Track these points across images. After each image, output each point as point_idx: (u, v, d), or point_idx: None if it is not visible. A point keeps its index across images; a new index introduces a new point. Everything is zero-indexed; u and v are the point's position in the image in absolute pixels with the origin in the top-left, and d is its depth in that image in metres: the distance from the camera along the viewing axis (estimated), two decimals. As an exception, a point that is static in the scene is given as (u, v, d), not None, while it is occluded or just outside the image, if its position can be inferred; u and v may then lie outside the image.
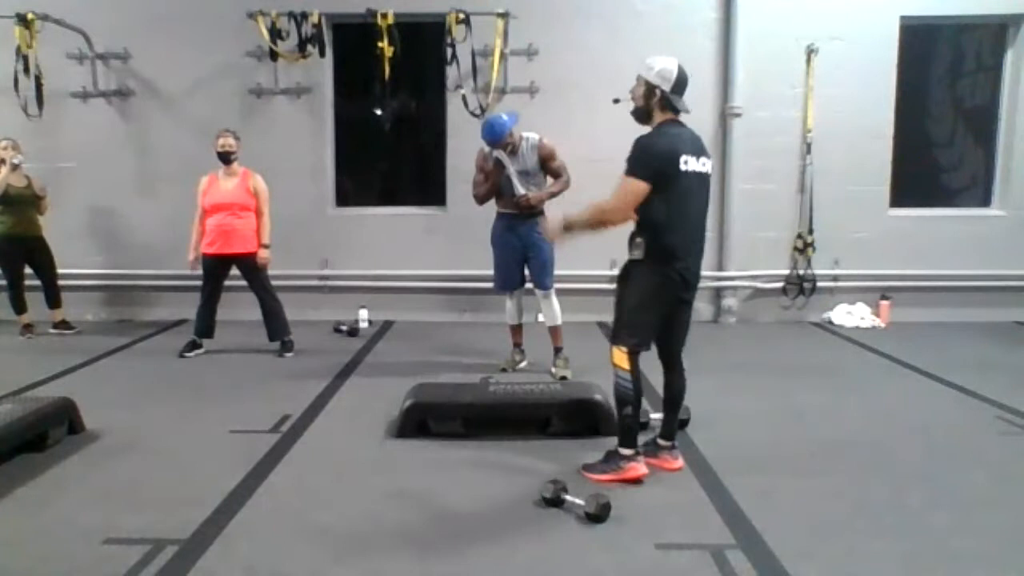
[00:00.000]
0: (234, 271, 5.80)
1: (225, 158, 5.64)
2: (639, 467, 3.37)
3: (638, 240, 3.30)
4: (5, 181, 6.05)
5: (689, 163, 3.29)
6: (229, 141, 5.64)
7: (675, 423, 3.64)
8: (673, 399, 3.62)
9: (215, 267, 5.71)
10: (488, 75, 6.64)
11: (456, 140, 6.81)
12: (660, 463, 3.54)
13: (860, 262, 6.95)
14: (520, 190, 4.87)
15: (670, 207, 3.25)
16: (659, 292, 3.35)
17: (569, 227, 3.42)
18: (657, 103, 3.35)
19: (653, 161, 3.22)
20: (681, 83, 3.37)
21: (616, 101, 3.56)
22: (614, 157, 6.77)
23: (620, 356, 3.38)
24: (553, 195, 4.99)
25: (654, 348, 3.57)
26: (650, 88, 3.33)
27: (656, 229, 3.27)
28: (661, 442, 3.61)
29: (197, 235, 5.72)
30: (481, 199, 5.12)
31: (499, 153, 4.87)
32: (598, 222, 3.35)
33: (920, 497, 3.26)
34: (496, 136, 4.80)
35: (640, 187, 3.21)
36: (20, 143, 6.23)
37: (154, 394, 4.81)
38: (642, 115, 3.40)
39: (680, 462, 3.58)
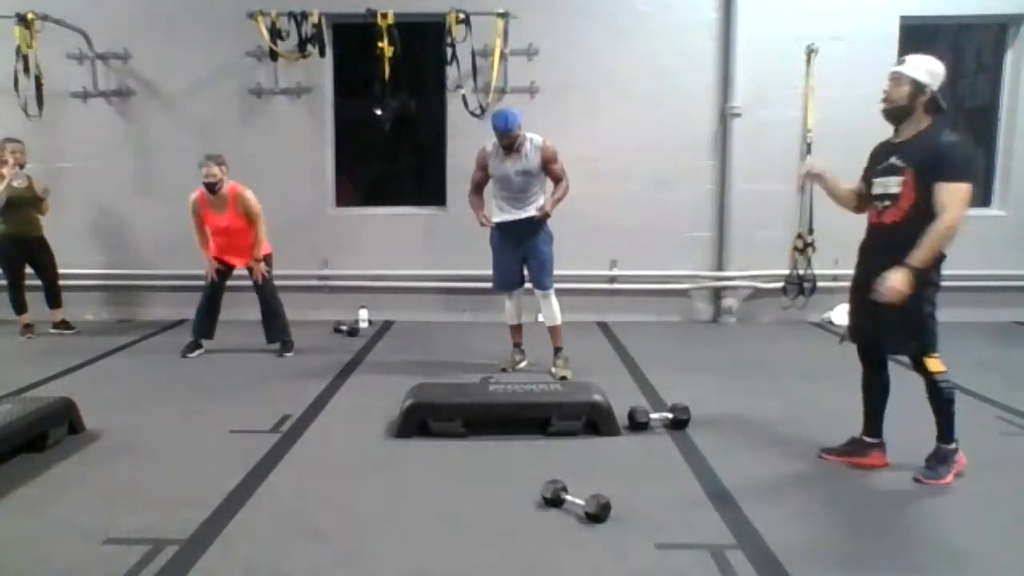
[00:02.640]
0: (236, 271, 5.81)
1: (211, 188, 5.48)
2: (963, 457, 3.42)
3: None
4: (6, 193, 6.05)
5: None
6: (213, 171, 5.42)
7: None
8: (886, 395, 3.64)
9: (219, 269, 5.72)
10: (488, 75, 6.64)
11: (456, 140, 6.81)
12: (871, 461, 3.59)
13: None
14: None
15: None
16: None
17: (916, 269, 3.18)
18: (924, 103, 3.21)
19: (972, 163, 3.19)
20: (944, 83, 3.26)
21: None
22: (614, 157, 6.88)
23: (936, 363, 3.35)
24: (559, 201, 5.02)
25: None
26: (918, 87, 3.19)
27: None
28: (871, 440, 3.64)
29: (206, 249, 5.70)
30: (470, 197, 5.17)
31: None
32: (944, 244, 3.19)
33: (920, 497, 3.26)
34: (508, 125, 4.79)
35: (969, 191, 3.12)
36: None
37: (154, 394, 4.81)
38: (901, 115, 3.26)
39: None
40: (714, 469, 3.55)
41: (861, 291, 3.49)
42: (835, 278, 6.98)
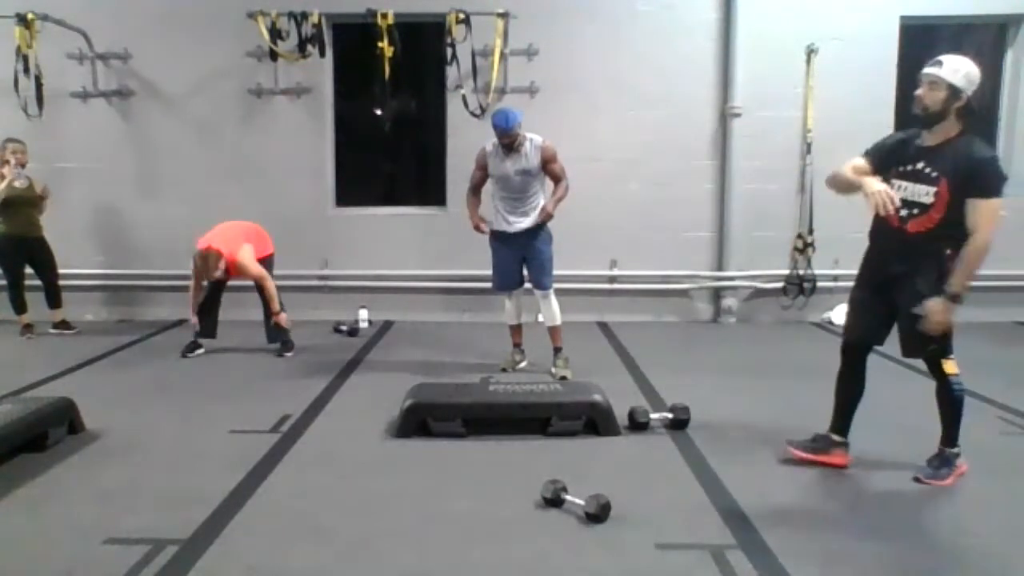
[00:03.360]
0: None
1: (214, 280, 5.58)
2: (965, 464, 3.42)
3: (949, 252, 3.11)
4: (6, 193, 6.05)
5: None
6: (216, 274, 5.44)
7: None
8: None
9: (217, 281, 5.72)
10: (488, 75, 6.63)
11: (456, 140, 6.81)
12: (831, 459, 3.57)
13: (860, 262, 6.94)
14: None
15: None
16: None
17: (958, 296, 3.08)
18: (959, 109, 3.07)
19: (1004, 178, 3.12)
20: (978, 93, 3.13)
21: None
22: (614, 157, 6.87)
23: (952, 365, 3.28)
24: (560, 200, 5.03)
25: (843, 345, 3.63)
26: (955, 93, 3.04)
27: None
28: (838, 438, 3.60)
29: (194, 307, 5.69)
30: (468, 197, 5.19)
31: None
32: (980, 266, 3.09)
33: (920, 497, 3.26)
34: (509, 124, 4.80)
35: (1000, 207, 3.05)
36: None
37: (154, 394, 4.81)
38: (934, 120, 3.11)
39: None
40: (714, 469, 3.55)
41: (870, 290, 3.46)
42: (835, 278, 6.98)
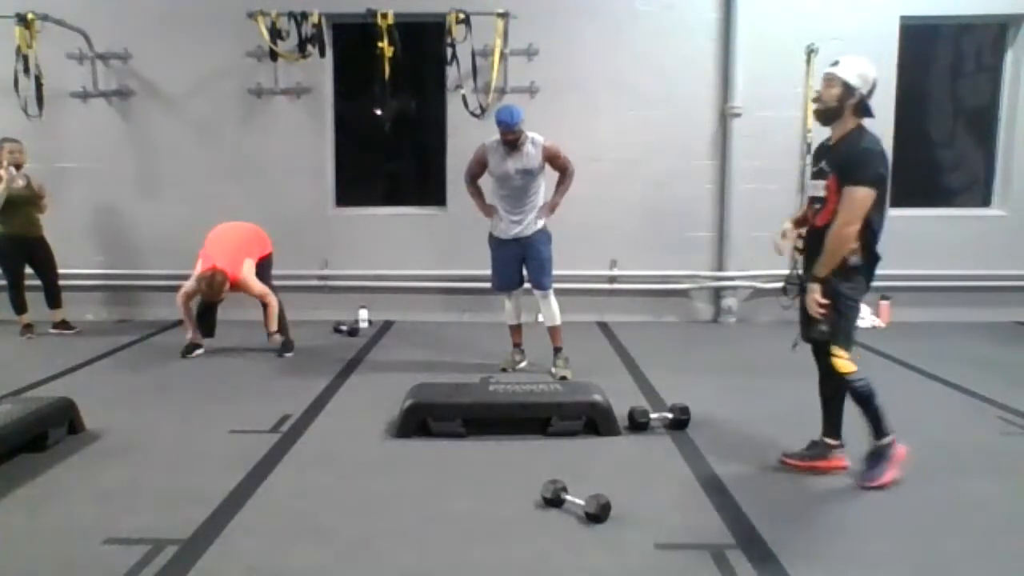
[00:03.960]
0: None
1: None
2: (901, 445, 3.39)
3: (854, 247, 3.21)
4: (5, 193, 6.05)
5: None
6: (227, 290, 5.48)
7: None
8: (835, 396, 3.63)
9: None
10: (488, 75, 6.63)
11: (456, 140, 6.80)
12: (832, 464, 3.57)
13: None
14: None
15: (882, 213, 3.23)
16: (863, 294, 3.36)
17: (825, 278, 3.26)
18: (852, 106, 3.21)
19: (880, 166, 3.18)
20: (875, 86, 3.25)
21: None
22: (614, 157, 6.87)
23: (846, 364, 3.33)
24: (565, 191, 5.12)
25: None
26: (848, 90, 3.19)
27: (872, 236, 3.23)
28: (832, 442, 3.61)
29: (190, 319, 5.71)
30: (468, 186, 5.26)
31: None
32: (842, 251, 3.20)
33: (920, 497, 3.26)
34: (513, 120, 4.82)
35: (870, 196, 3.13)
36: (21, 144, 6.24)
37: (154, 394, 4.81)
38: (831, 117, 3.27)
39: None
40: (714, 469, 3.55)
41: (803, 290, 3.53)
42: (835, 278, 6.98)
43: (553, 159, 5.03)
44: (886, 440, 3.36)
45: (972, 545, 2.84)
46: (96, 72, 6.92)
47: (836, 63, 3.25)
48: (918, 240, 6.92)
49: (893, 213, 6.87)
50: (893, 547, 2.82)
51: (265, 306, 5.63)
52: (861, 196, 3.13)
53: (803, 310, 3.51)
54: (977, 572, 2.68)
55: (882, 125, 6.86)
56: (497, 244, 5.17)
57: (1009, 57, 6.98)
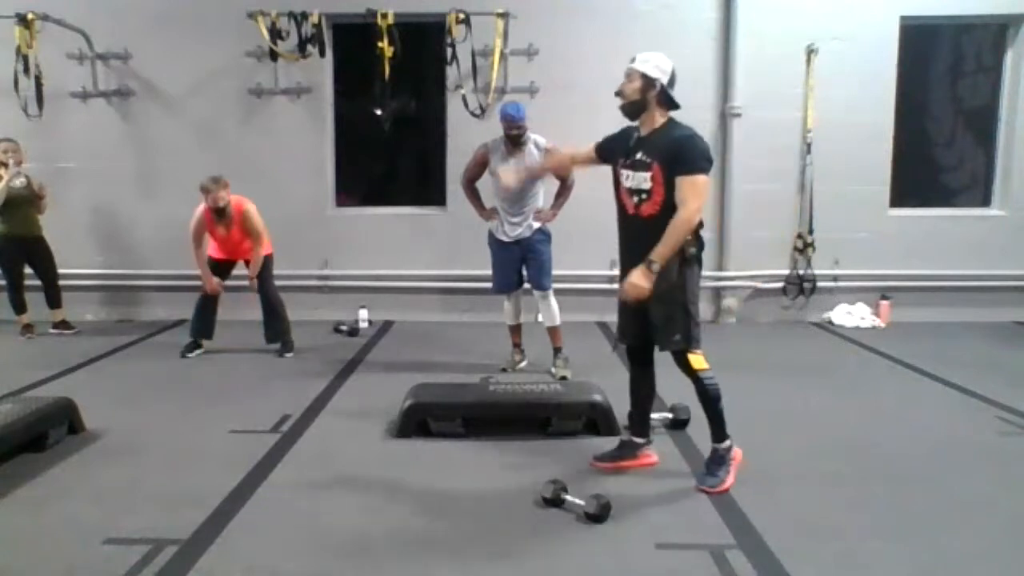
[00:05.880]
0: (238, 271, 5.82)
1: (221, 213, 5.48)
2: (738, 450, 3.41)
3: (689, 238, 3.22)
4: (5, 192, 6.05)
5: None
6: (221, 195, 5.39)
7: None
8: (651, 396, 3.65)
9: (219, 267, 5.72)
10: (488, 75, 6.63)
11: (456, 140, 6.80)
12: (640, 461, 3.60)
13: (860, 262, 6.95)
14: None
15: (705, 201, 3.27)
16: (699, 290, 3.34)
17: (655, 267, 3.16)
18: (655, 97, 3.26)
19: (709, 154, 3.24)
20: (675, 77, 3.31)
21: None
22: (614, 157, 6.82)
23: (699, 360, 3.29)
24: (565, 201, 5.15)
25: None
26: (648, 82, 3.24)
27: (701, 224, 3.26)
28: (640, 440, 3.63)
29: (203, 264, 5.64)
30: (465, 189, 5.26)
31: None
32: (683, 239, 3.17)
33: (920, 497, 3.26)
34: (520, 113, 4.86)
35: (708, 183, 3.22)
36: (20, 143, 6.23)
37: (154, 394, 4.81)
38: (636, 110, 3.31)
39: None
40: (714, 469, 3.55)
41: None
42: (835, 278, 6.99)
43: None
44: (727, 443, 3.37)
45: (972, 545, 2.85)
46: (96, 72, 6.92)
47: (633, 59, 3.30)
48: (918, 240, 6.93)
49: (893, 213, 6.99)
50: (893, 547, 2.83)
51: (257, 247, 5.60)
52: (703, 182, 3.18)
53: (624, 312, 3.42)
54: (977, 572, 2.68)
55: (882, 125, 6.95)
56: (498, 246, 5.17)
57: (1009, 57, 6.98)
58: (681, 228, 3.14)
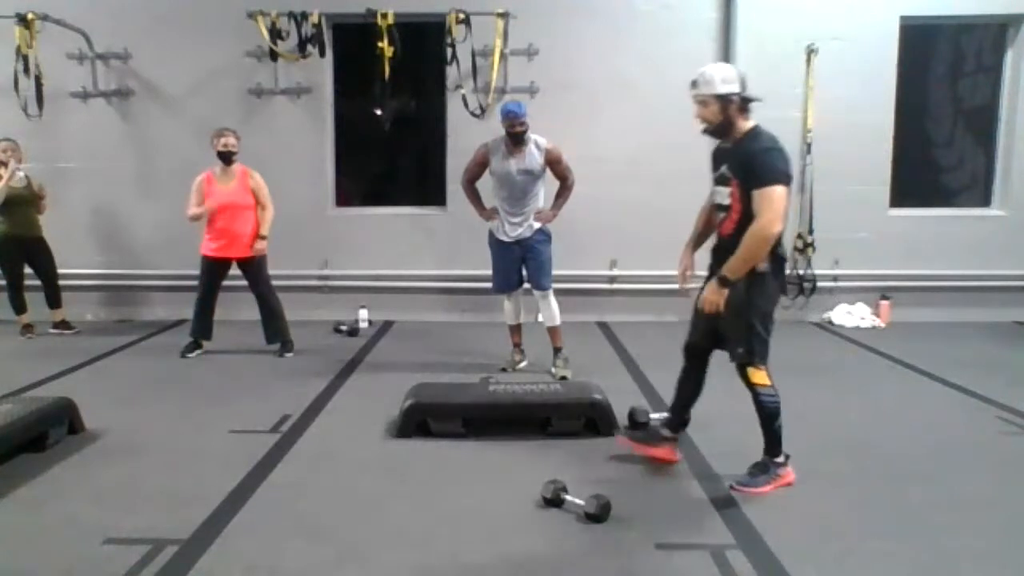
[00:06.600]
0: (234, 271, 5.80)
1: (227, 158, 5.58)
2: (791, 472, 3.37)
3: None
4: (4, 191, 6.05)
5: None
6: (231, 140, 5.58)
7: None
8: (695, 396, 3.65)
9: (216, 268, 5.71)
10: (488, 75, 6.64)
11: (456, 140, 6.80)
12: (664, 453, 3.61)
13: (860, 262, 6.95)
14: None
15: (787, 211, 3.18)
16: (777, 300, 3.28)
17: (726, 279, 3.14)
18: (736, 110, 3.20)
19: (788, 165, 3.15)
20: (744, 80, 3.23)
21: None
22: (614, 157, 6.86)
23: (761, 375, 3.26)
24: (564, 203, 5.15)
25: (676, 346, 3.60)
26: (725, 100, 3.18)
27: (779, 241, 3.18)
28: (669, 434, 3.63)
29: (197, 208, 5.64)
30: (465, 189, 5.26)
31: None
32: (760, 252, 3.10)
33: (920, 497, 3.26)
34: (521, 109, 4.87)
35: (785, 193, 3.10)
36: (20, 143, 6.23)
37: (154, 394, 4.81)
38: (724, 130, 3.25)
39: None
40: (714, 469, 3.55)
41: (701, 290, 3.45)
42: (835, 278, 6.99)
43: (555, 163, 5.03)
44: (780, 459, 3.35)
45: (972, 545, 2.84)
46: (96, 72, 6.92)
47: (695, 84, 3.25)
48: (918, 240, 6.93)
49: (893, 213, 6.98)
50: (893, 547, 2.82)
51: (262, 210, 5.71)
52: (780, 194, 3.08)
53: (699, 312, 3.39)
54: (977, 572, 2.68)
55: (882, 125, 6.94)
56: (498, 246, 5.17)
57: (1009, 57, 6.98)
58: (754, 241, 3.07)
